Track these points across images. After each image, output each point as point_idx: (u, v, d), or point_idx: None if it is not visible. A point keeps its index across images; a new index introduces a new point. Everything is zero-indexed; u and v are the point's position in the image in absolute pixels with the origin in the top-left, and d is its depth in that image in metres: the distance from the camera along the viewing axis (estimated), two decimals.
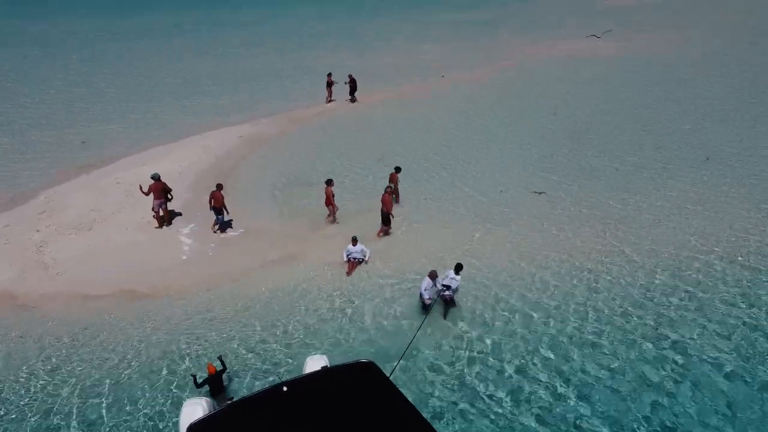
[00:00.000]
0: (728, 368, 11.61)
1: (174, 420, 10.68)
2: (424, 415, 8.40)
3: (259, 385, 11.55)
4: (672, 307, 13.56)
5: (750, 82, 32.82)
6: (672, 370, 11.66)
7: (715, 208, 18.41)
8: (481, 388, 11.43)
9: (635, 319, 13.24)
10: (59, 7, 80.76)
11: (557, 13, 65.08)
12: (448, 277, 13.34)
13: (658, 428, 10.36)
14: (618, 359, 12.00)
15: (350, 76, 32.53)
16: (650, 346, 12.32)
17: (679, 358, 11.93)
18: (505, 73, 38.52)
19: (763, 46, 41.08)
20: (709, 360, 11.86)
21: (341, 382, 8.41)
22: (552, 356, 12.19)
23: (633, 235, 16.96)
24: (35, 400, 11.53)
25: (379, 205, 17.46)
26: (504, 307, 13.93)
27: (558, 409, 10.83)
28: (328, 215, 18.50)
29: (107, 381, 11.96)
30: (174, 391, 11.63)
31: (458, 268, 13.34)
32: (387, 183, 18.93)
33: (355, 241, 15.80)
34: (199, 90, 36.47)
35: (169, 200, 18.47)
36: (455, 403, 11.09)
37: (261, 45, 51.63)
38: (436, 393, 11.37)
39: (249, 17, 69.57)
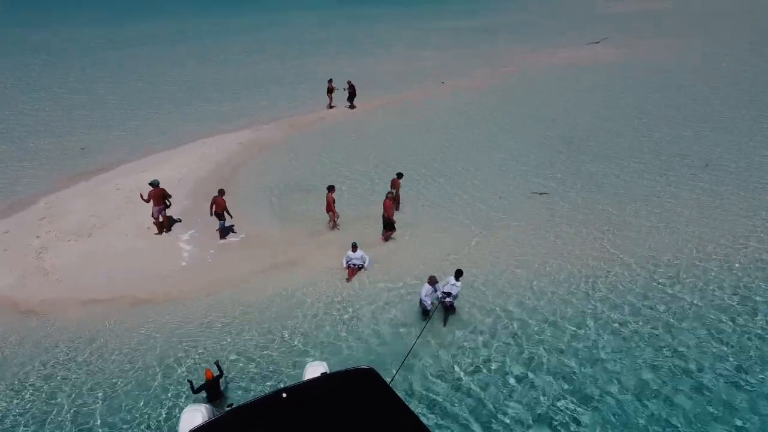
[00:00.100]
0: (726, 375, 11.59)
1: (173, 427, 10.63)
2: (424, 421, 8.38)
3: (258, 392, 11.50)
4: (670, 314, 13.55)
5: (750, 82, 32.94)
6: (670, 377, 11.63)
7: (714, 214, 18.44)
8: (481, 395, 11.38)
9: (634, 325, 13.21)
10: (61, 16, 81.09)
11: (557, 21, 65.37)
12: (449, 283, 13.32)
13: None
14: (617, 366, 11.96)
15: (349, 82, 32.60)
16: (649, 353, 12.31)
17: (677, 365, 11.90)
18: (506, 80, 38.62)
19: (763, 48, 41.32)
20: (706, 367, 11.83)
21: (341, 388, 8.38)
22: (552, 364, 12.15)
23: (631, 242, 16.97)
24: (29, 407, 11.47)
25: (379, 211, 17.46)
26: (503, 313, 13.90)
27: (558, 417, 10.78)
28: (329, 221, 18.49)
29: (104, 388, 11.91)
30: (172, 397, 11.58)
31: (458, 275, 13.32)
32: (386, 189, 18.93)
33: (354, 247, 15.79)
34: (200, 96, 36.55)
35: (168, 206, 18.47)
36: (455, 410, 11.03)
37: (262, 51, 51.82)
38: (436, 400, 11.32)
39: (251, 24, 69.84)
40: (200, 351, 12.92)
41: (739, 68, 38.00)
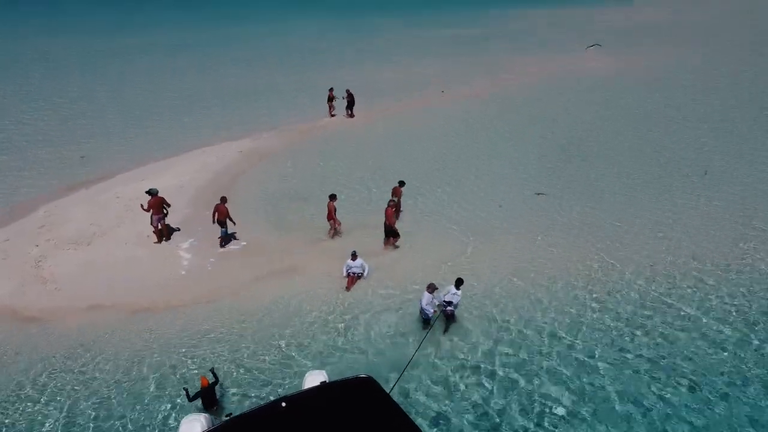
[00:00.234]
0: (723, 385, 11.57)
1: None
2: (424, 431, 8.32)
3: (257, 401, 11.43)
4: (666, 324, 13.52)
5: (750, 82, 33.06)
6: (666, 386, 11.59)
7: (712, 222, 18.46)
8: (482, 405, 11.30)
9: (630, 335, 13.19)
10: (61, 24, 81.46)
11: (557, 30, 65.67)
12: (450, 292, 13.24)
13: None
14: (618, 376, 11.93)
15: (348, 91, 32.72)
16: (646, 362, 12.28)
17: (673, 375, 11.86)
18: (506, 89, 38.78)
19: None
20: (703, 375, 11.81)
21: (340, 397, 8.31)
22: (552, 372, 12.09)
23: (629, 251, 16.96)
24: (24, 416, 11.39)
25: (379, 219, 17.42)
26: (503, 323, 13.85)
27: (560, 428, 10.71)
28: (330, 230, 18.45)
29: (102, 396, 11.83)
30: (168, 405, 11.50)
31: (459, 283, 13.25)
32: (385, 197, 18.92)
33: (354, 255, 15.74)
34: (201, 105, 36.64)
35: (166, 214, 18.44)
36: (456, 420, 10.95)
37: (263, 61, 52.03)
38: (437, 409, 11.23)
39: (251, 34, 70.19)
40: (198, 359, 12.85)
41: (739, 69, 38.14)
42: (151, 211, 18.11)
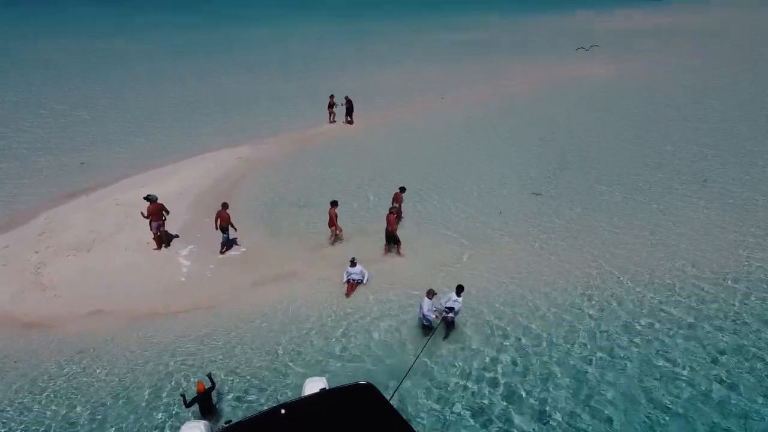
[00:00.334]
0: (719, 392, 11.57)
1: None
2: None
3: (256, 408, 11.39)
4: (663, 332, 13.51)
5: (750, 82, 33.16)
6: (662, 393, 11.59)
7: (711, 230, 18.49)
8: (483, 410, 11.28)
9: (628, 342, 13.19)
10: (62, 25, 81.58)
11: (557, 36, 65.84)
12: (451, 299, 13.21)
13: None
14: (614, 382, 11.94)
15: (347, 97, 32.75)
16: (644, 369, 12.30)
17: (669, 382, 11.87)
18: (506, 94, 38.87)
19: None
20: (699, 384, 11.81)
21: (340, 404, 8.30)
22: (552, 379, 12.09)
23: (626, 259, 16.97)
24: (23, 422, 11.37)
25: (379, 225, 17.42)
26: (502, 329, 13.84)
27: None
28: (330, 236, 18.44)
29: (101, 402, 11.80)
30: (165, 410, 11.50)
31: (459, 290, 13.22)
32: (386, 203, 18.93)
33: (353, 262, 15.73)
34: (201, 112, 36.64)
35: (165, 220, 18.43)
36: (456, 427, 10.93)
37: (264, 67, 52.09)
38: (437, 416, 11.21)
39: (252, 40, 70.27)
40: (197, 365, 12.82)
41: (739, 69, 38.27)
42: (151, 217, 18.10)
